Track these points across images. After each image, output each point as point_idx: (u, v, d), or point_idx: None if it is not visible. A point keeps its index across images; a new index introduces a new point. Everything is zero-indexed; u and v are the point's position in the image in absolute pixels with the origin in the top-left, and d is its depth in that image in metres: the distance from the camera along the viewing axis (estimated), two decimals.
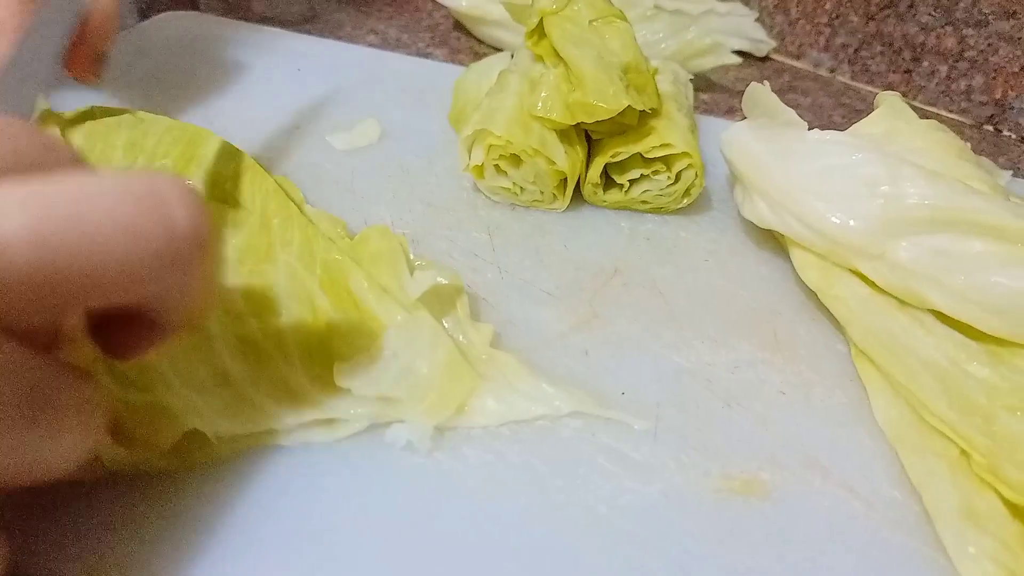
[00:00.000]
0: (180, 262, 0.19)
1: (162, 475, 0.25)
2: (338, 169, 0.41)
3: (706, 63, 0.58)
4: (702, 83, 0.57)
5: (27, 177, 0.18)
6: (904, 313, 0.33)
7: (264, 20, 0.61)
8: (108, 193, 0.18)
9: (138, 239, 0.18)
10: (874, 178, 0.33)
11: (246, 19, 0.58)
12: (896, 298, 0.33)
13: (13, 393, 0.18)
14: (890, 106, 0.38)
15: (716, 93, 0.57)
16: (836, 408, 0.31)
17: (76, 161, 0.20)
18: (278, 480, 0.26)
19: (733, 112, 0.54)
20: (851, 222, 0.33)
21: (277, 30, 0.57)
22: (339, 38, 0.58)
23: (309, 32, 0.59)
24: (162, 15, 0.55)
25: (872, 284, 0.34)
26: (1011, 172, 0.42)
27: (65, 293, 0.17)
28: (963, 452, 0.28)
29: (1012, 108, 0.54)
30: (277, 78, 0.50)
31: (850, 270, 0.34)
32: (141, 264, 0.18)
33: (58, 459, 0.19)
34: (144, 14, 0.41)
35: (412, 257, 0.33)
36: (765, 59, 0.63)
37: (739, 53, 0.61)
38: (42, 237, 0.17)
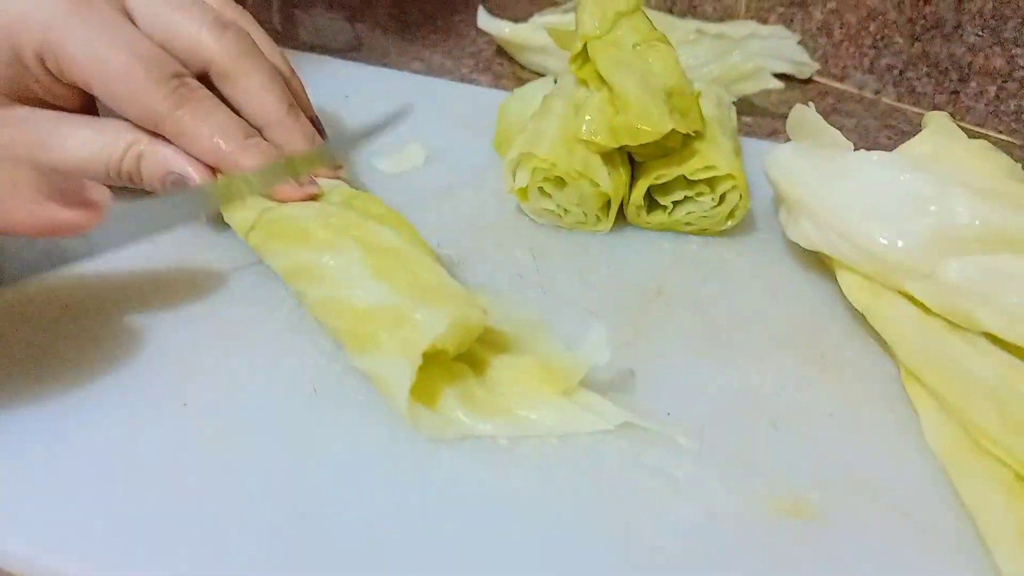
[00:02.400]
0: None
1: None
2: (384, 192, 0.42)
3: (749, 87, 0.58)
4: (745, 106, 0.57)
5: None
6: (954, 334, 0.32)
7: (312, 48, 0.63)
8: None
9: None
10: (922, 197, 0.33)
11: (294, 48, 0.60)
12: (946, 319, 0.33)
13: None
14: (938, 125, 0.38)
15: (759, 116, 0.57)
16: (886, 430, 0.31)
17: None
18: (326, 486, 0.26)
19: (776, 134, 0.54)
20: (899, 242, 0.33)
21: (325, 58, 0.58)
22: (385, 65, 0.60)
23: (356, 60, 0.60)
24: None
25: (921, 305, 0.33)
26: None
27: None
28: (1017, 475, 0.28)
29: None
30: (325, 104, 0.52)
31: (898, 291, 0.34)
32: None
33: None
34: None
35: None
36: (808, 81, 0.63)
37: (782, 76, 0.60)
38: None
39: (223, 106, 0.36)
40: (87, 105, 0.37)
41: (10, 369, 0.30)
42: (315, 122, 0.41)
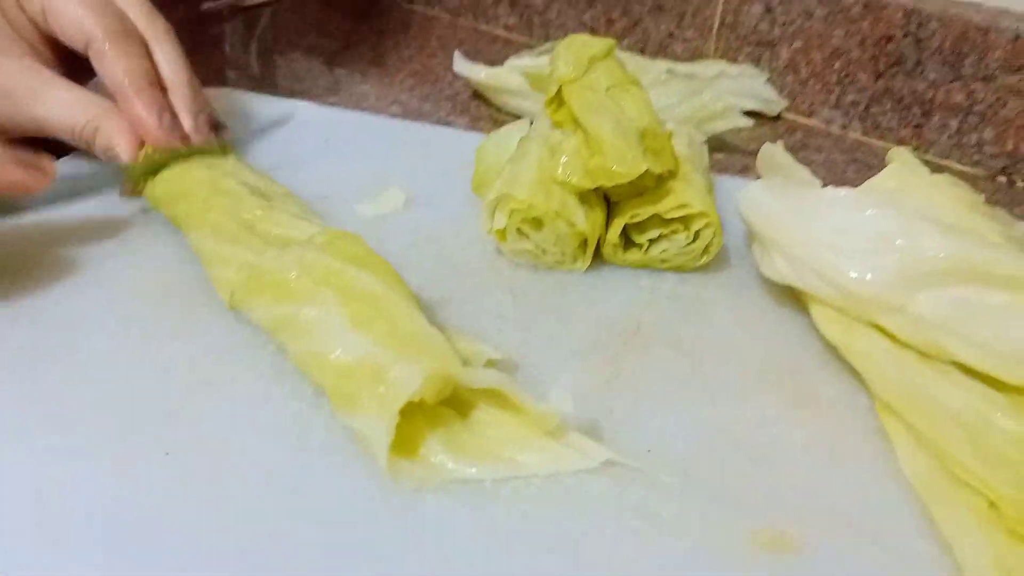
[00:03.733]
0: None
1: None
2: (366, 236, 0.43)
3: (719, 125, 0.59)
4: (716, 144, 0.58)
5: None
6: (927, 366, 0.33)
7: (291, 94, 0.63)
8: None
9: None
10: (889, 232, 0.34)
11: (273, 93, 0.61)
12: (918, 351, 0.34)
13: None
14: (902, 161, 0.39)
15: (730, 153, 0.58)
16: (862, 462, 0.31)
17: None
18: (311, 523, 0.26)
19: (747, 171, 0.55)
20: (868, 276, 0.34)
21: (304, 103, 0.59)
22: (363, 109, 0.61)
23: (334, 104, 0.61)
24: None
25: (893, 338, 0.34)
26: None
27: None
28: (992, 505, 0.28)
29: None
30: (305, 149, 0.52)
31: (871, 324, 0.35)
32: None
33: None
34: None
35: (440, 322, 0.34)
36: (777, 118, 0.64)
37: (751, 113, 0.62)
38: None
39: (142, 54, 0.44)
40: (70, 71, 0.45)
41: None
42: (217, 123, 0.48)
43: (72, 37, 0.43)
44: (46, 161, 0.38)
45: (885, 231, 0.34)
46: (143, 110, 0.43)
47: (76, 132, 0.42)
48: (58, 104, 0.42)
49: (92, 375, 0.33)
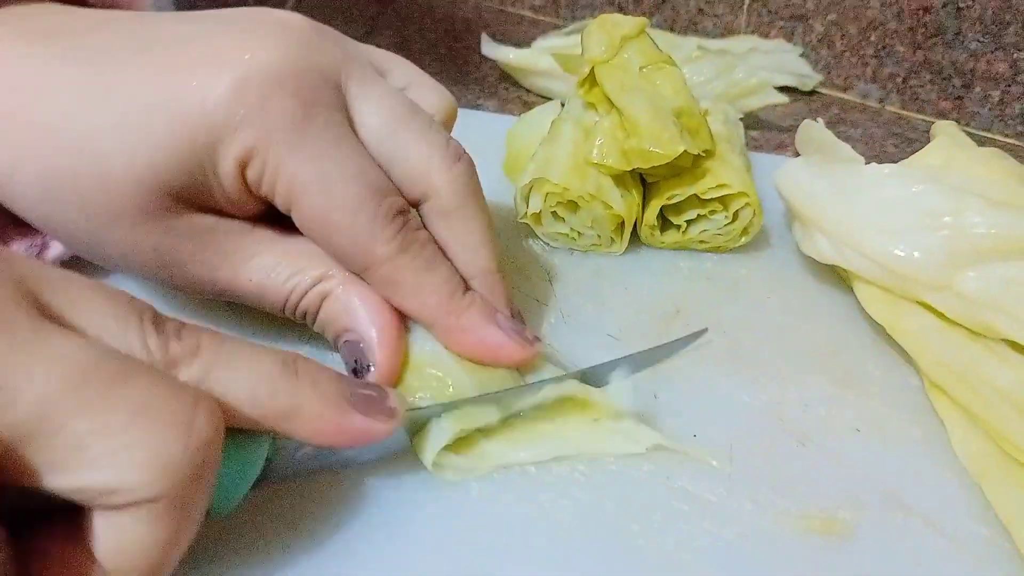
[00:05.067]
0: None
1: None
2: None
3: (754, 102, 0.58)
4: (751, 121, 0.57)
5: None
6: (976, 343, 0.32)
7: None
8: None
9: None
10: (936, 209, 0.33)
11: None
12: (967, 329, 0.33)
13: None
14: (947, 135, 0.38)
15: (765, 130, 0.57)
16: (913, 443, 0.31)
17: None
18: (355, 515, 0.26)
19: (783, 148, 0.55)
20: (915, 254, 0.33)
21: None
22: None
23: None
24: None
25: (941, 315, 0.33)
26: None
27: None
28: None
29: None
30: None
31: (918, 302, 0.34)
32: None
33: None
34: None
35: None
36: (812, 93, 0.63)
37: (786, 89, 0.61)
38: None
39: (443, 254, 0.31)
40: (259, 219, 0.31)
41: None
42: None
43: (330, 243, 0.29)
44: (395, 398, 0.26)
45: (932, 208, 0.34)
46: (493, 332, 0.30)
47: (293, 300, 0.29)
48: (269, 262, 0.29)
49: None
